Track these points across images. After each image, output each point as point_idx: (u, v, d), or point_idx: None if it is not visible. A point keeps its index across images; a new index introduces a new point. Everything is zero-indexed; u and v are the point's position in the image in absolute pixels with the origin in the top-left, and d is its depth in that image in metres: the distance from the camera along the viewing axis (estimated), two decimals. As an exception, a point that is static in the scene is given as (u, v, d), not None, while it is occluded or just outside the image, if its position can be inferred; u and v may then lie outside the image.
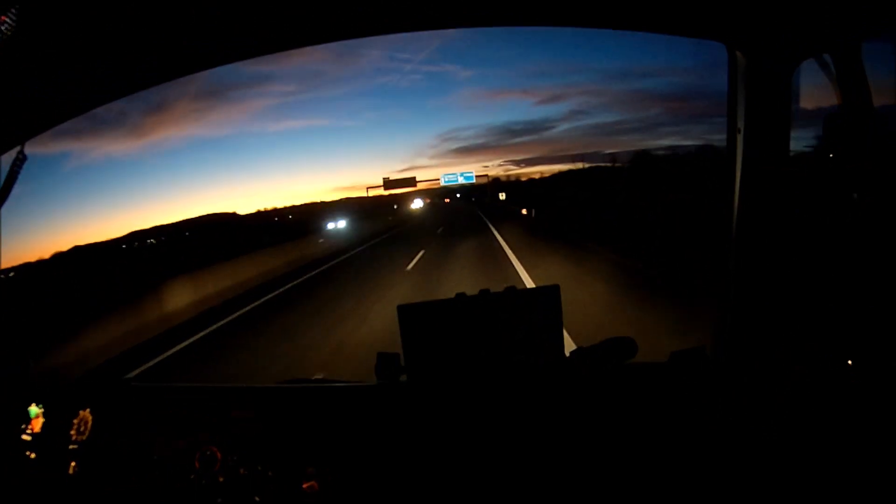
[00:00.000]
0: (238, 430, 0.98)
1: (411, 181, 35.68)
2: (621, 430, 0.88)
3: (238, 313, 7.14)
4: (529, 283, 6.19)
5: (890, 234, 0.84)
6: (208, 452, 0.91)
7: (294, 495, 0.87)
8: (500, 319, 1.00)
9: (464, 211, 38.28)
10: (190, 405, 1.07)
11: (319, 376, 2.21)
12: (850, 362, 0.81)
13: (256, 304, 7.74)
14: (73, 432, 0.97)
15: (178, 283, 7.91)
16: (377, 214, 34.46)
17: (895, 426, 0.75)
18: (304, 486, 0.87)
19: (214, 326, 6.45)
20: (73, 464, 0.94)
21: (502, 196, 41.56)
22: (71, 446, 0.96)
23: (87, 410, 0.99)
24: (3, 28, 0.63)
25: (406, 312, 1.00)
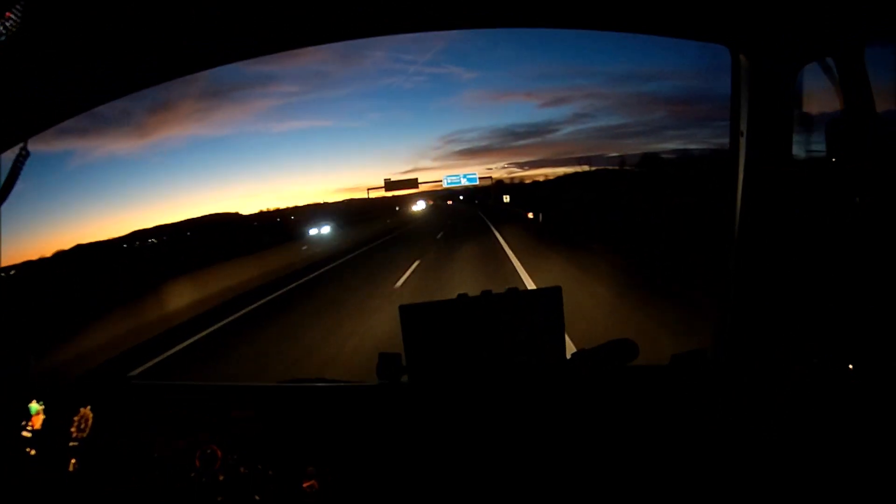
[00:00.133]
0: (239, 430, 0.97)
1: (413, 182, 35.63)
2: (622, 432, 0.88)
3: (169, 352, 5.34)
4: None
5: (891, 238, 0.84)
6: (209, 451, 0.90)
7: (294, 495, 0.87)
8: (501, 321, 1.00)
9: (466, 213, 36.69)
10: (190, 404, 1.07)
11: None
12: (850, 366, 0.81)
13: (204, 333, 6.12)
14: (73, 430, 0.97)
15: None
16: (376, 217, 34.38)
17: (895, 427, 0.75)
18: (305, 485, 0.87)
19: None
20: (73, 461, 0.94)
21: (507, 198, 40.66)
22: (71, 444, 0.96)
23: (88, 408, 0.99)
24: (6, 25, 0.63)
25: (408, 313, 1.00)
